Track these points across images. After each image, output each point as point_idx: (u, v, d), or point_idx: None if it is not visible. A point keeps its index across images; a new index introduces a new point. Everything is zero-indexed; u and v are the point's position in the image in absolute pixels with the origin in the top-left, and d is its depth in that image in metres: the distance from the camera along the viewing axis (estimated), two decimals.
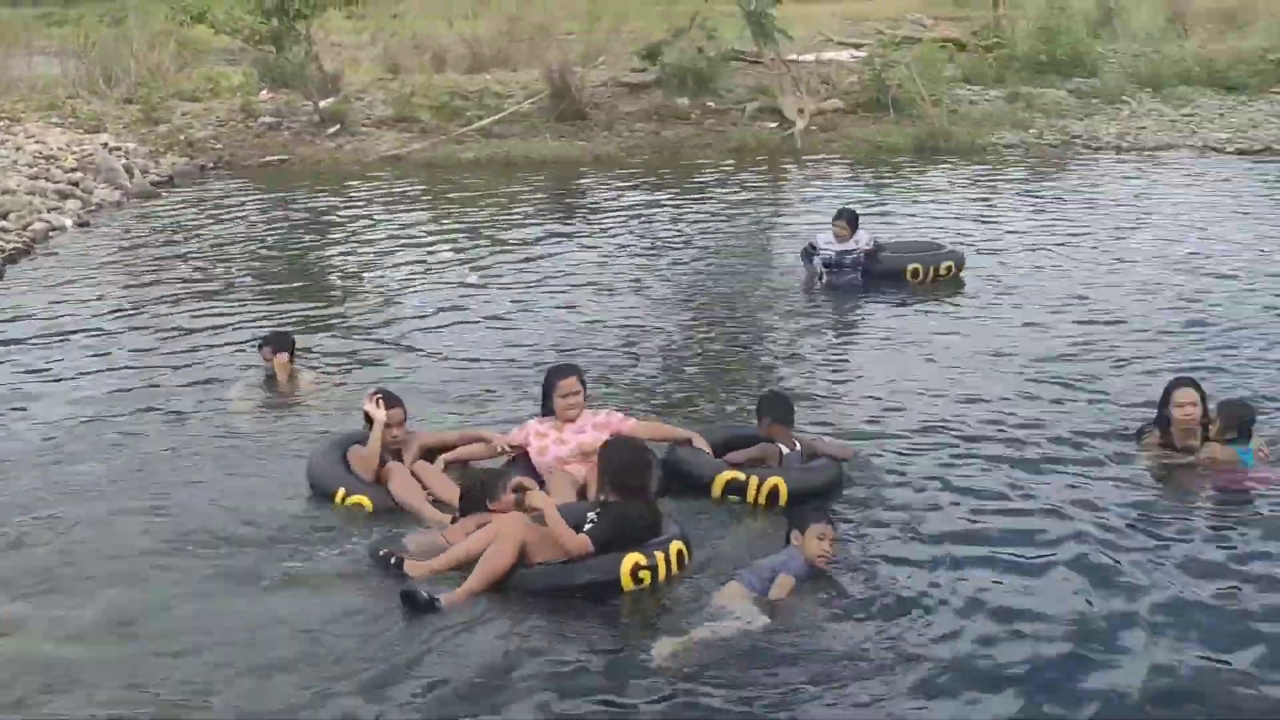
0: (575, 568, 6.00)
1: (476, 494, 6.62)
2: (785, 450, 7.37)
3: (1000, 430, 8.13)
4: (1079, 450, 7.79)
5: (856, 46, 26.88)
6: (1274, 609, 5.74)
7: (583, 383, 7.61)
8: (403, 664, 5.34)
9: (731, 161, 20.43)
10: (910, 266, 11.99)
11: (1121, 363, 9.57)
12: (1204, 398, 7.52)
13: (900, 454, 7.76)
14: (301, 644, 5.51)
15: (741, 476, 7.09)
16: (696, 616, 5.69)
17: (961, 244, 13.17)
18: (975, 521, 6.79)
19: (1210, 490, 7.17)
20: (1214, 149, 21.06)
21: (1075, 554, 6.34)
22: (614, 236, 14.86)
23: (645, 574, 5.94)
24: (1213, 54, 25.69)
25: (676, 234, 15.02)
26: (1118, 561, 6.23)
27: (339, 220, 16.45)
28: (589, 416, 7.55)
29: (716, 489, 7.13)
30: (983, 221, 15.31)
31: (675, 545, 6.11)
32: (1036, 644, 5.48)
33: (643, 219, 15.94)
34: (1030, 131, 22.11)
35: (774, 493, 7.01)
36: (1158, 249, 13.54)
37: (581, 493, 7.02)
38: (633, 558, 5.95)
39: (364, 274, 13.37)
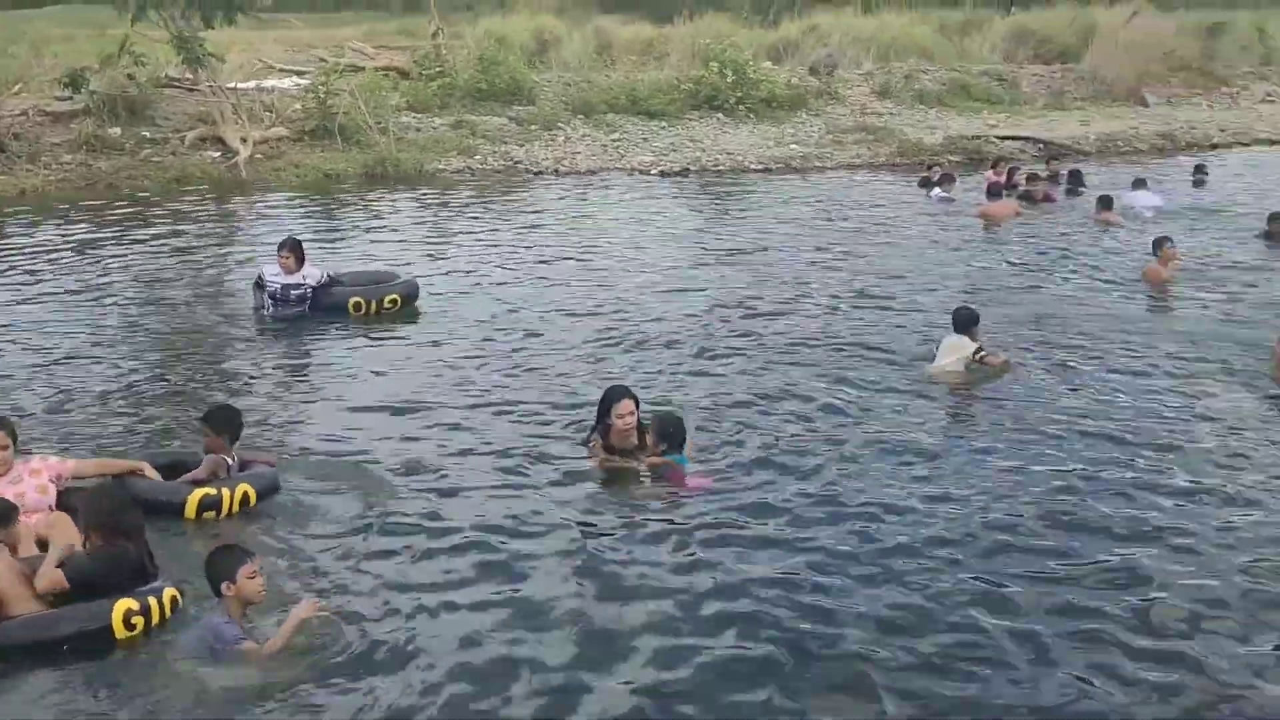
0: (62, 617, 5.65)
1: None
2: (230, 462, 7.52)
3: (448, 453, 8.32)
4: (530, 460, 8.15)
5: (299, 74, 26.56)
6: (722, 588, 6.33)
7: (12, 435, 7.08)
8: None
9: (173, 192, 19.46)
10: (352, 300, 11.96)
11: (563, 375, 10.10)
12: (638, 404, 8.12)
13: (334, 481, 7.79)
14: None
15: (214, 491, 7.21)
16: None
17: (413, 271, 13.34)
18: (433, 541, 6.93)
19: (654, 491, 7.72)
20: (641, 171, 22.87)
21: (554, 556, 6.71)
22: (44, 277, 13.66)
23: (138, 620, 5.72)
24: (635, 83, 27.81)
25: (116, 269, 14.10)
26: (582, 564, 6.62)
27: None
28: (21, 465, 7.09)
29: (191, 509, 7.14)
30: (433, 246, 15.63)
31: (169, 591, 5.94)
32: (528, 649, 5.73)
33: (77, 256, 14.82)
34: (475, 158, 22.92)
35: (245, 498, 7.25)
36: (595, 266, 14.43)
37: (42, 545, 6.52)
38: (124, 604, 5.71)
39: None
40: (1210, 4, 46.38)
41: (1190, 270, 13.84)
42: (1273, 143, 29.03)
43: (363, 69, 26.26)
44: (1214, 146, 28.01)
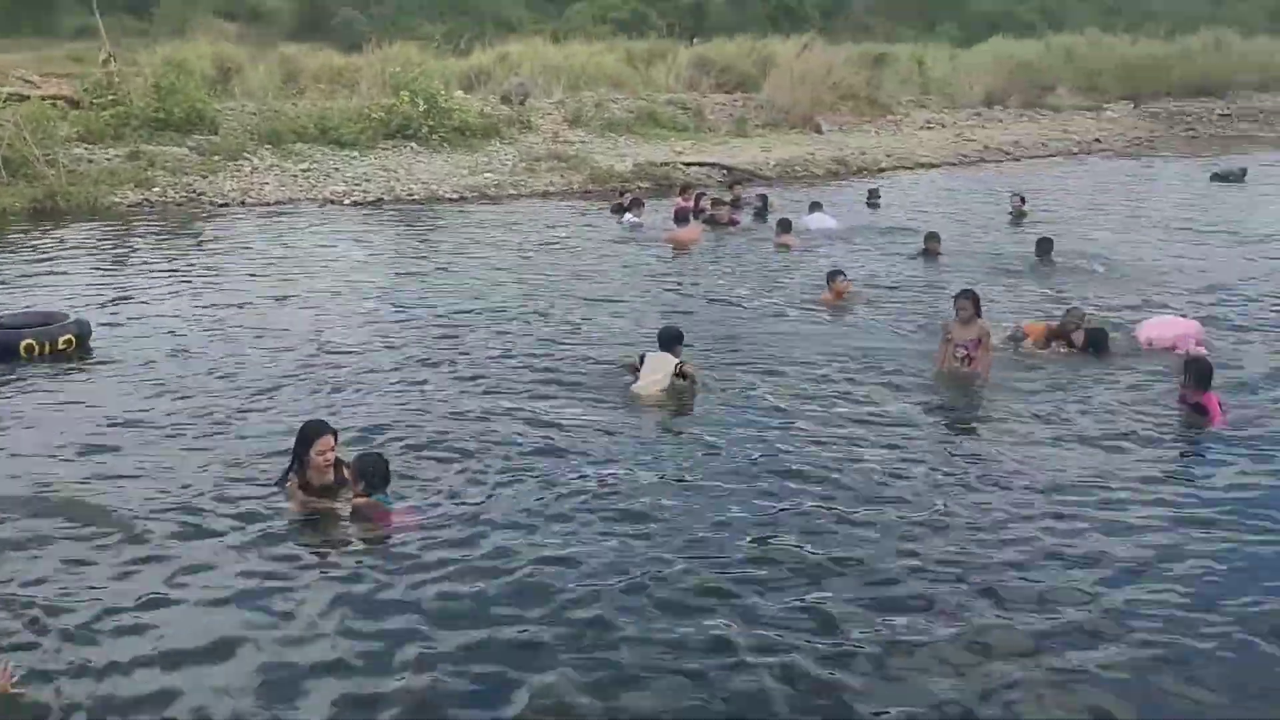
0: None
1: None
2: None
3: (132, 501, 7.92)
4: (222, 505, 7.84)
5: None
6: (442, 656, 6.11)
7: None
8: None
9: None
10: (24, 343, 11.27)
11: (251, 413, 9.77)
12: (337, 439, 7.95)
13: (8, 536, 7.34)
14: None
15: None
16: None
17: (87, 311, 12.65)
18: (119, 602, 6.60)
19: (359, 533, 7.50)
20: (333, 202, 22.45)
21: (253, 617, 6.45)
22: None
23: None
24: (325, 112, 27.28)
25: None
26: (281, 630, 6.39)
27: None
28: None
29: None
30: (109, 284, 14.85)
31: None
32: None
33: None
34: (154, 190, 21.96)
35: None
36: (285, 300, 14.07)
37: None
38: None
39: None
40: (873, 37, 49.67)
41: (862, 290, 14.71)
42: (932, 166, 31.35)
43: (28, 98, 24.67)
44: (882, 170, 29.98)
